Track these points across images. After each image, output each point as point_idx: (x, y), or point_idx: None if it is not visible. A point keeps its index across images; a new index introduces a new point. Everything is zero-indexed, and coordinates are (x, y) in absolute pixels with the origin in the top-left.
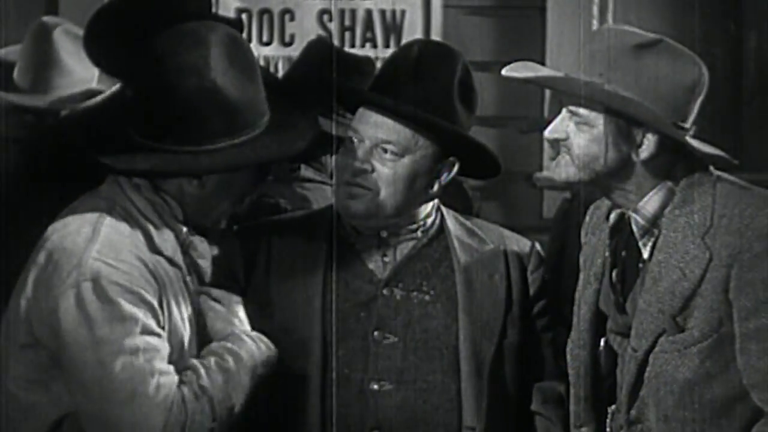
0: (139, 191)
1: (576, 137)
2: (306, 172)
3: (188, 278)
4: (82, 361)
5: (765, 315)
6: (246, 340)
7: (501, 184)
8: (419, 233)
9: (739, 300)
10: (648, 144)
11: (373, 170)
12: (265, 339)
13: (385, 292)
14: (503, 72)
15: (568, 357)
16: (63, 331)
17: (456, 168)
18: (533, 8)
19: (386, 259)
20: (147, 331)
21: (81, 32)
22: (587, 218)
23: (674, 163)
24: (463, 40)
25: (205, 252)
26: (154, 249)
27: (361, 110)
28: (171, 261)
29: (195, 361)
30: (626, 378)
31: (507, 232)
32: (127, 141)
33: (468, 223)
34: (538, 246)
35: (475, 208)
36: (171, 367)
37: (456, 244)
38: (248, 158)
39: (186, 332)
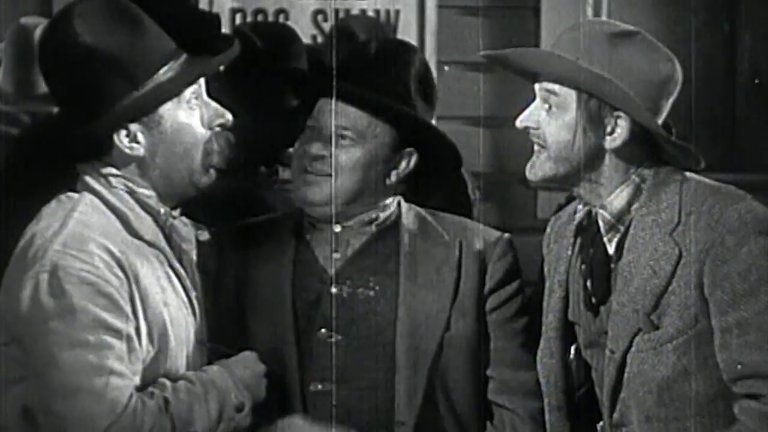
0: (108, 182)
1: (547, 126)
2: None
3: (176, 263)
4: (33, 352)
5: (744, 307)
6: (225, 379)
7: (495, 185)
8: (373, 227)
9: (715, 294)
10: (620, 131)
11: (330, 156)
12: (249, 361)
13: (333, 289)
14: (480, 53)
15: (539, 366)
16: (20, 321)
17: (414, 159)
18: (527, 9)
19: (336, 256)
20: (102, 327)
21: None
22: (548, 229)
23: (644, 156)
24: (457, 40)
25: (188, 235)
26: (133, 233)
27: (321, 101)
28: (152, 244)
29: (164, 380)
30: (606, 381)
31: (472, 225)
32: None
33: (430, 217)
34: (507, 236)
35: (475, 209)
36: (129, 371)
37: (406, 239)
38: (160, 97)
39: (170, 316)
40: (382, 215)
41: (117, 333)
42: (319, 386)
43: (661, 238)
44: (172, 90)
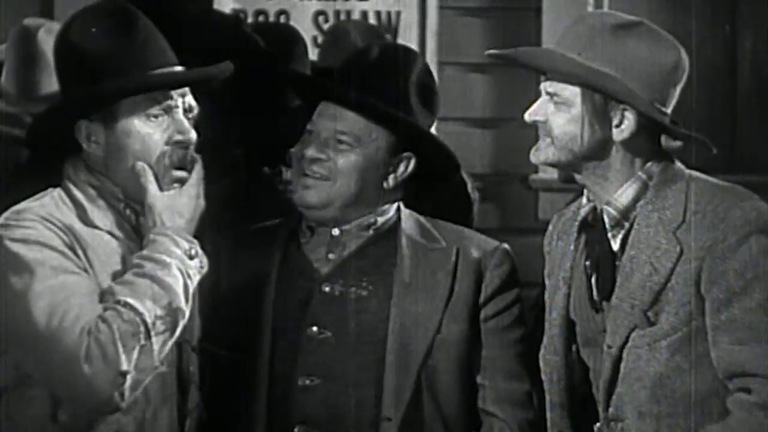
0: (77, 175)
1: (555, 118)
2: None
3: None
4: (11, 319)
5: (737, 306)
6: (162, 241)
7: (496, 186)
8: (371, 231)
9: (711, 292)
10: (627, 123)
11: (328, 160)
12: (189, 239)
13: (323, 288)
14: (487, 52)
15: (542, 363)
16: None
17: (412, 164)
18: (529, 9)
19: (331, 257)
20: (61, 270)
21: None
22: (550, 227)
23: (652, 151)
24: (458, 41)
25: None
26: (87, 222)
27: (322, 105)
28: (111, 234)
29: (111, 284)
30: (603, 376)
31: (470, 234)
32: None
33: (428, 224)
34: (505, 246)
35: (474, 211)
36: (91, 303)
37: (404, 242)
38: (112, 93)
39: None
40: (381, 220)
41: (76, 273)
42: (307, 381)
43: (665, 235)
44: (124, 89)
